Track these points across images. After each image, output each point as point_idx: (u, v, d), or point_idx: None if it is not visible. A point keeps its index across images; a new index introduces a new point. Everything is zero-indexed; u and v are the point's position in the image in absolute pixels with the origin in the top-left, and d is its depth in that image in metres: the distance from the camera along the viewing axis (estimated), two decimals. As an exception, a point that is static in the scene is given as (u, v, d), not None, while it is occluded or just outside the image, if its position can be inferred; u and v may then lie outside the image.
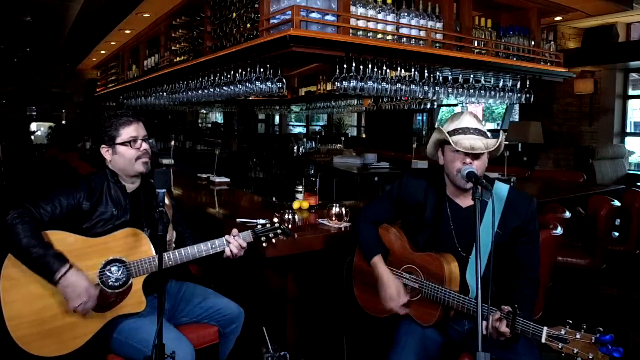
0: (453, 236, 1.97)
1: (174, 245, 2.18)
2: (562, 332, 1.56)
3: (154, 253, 1.96)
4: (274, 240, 2.11)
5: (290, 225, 2.42)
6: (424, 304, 1.94)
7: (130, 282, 1.93)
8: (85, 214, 1.99)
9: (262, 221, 2.12)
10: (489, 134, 1.92)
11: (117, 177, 2.10)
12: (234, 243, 2.05)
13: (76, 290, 1.82)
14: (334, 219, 2.55)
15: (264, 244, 2.11)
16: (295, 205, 2.85)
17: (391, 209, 2.15)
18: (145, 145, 2.09)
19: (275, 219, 2.16)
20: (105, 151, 2.10)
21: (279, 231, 2.12)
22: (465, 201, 1.97)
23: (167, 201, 2.18)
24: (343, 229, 2.50)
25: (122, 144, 2.06)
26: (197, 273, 2.55)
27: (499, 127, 8.99)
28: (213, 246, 2.05)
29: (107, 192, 2.06)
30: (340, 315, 2.47)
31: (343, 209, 2.56)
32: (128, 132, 2.07)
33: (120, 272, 1.92)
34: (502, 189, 1.96)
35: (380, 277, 2.03)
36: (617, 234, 3.85)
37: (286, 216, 2.42)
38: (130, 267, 1.93)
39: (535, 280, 1.91)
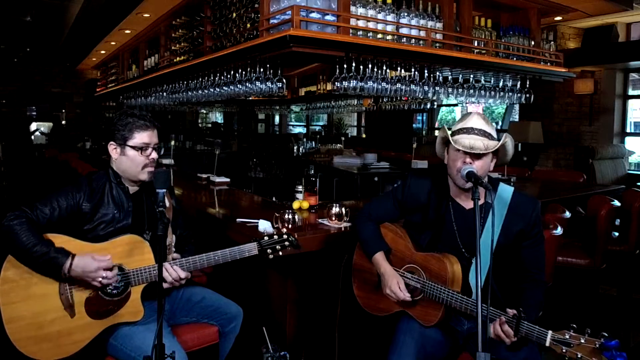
0: (456, 237, 1.96)
1: (174, 249, 2.14)
2: (567, 336, 1.54)
3: (155, 262, 1.93)
4: (281, 253, 2.03)
5: (290, 225, 2.41)
6: (425, 304, 1.93)
7: (128, 290, 1.91)
8: (86, 216, 1.95)
9: (268, 229, 2.00)
10: (495, 135, 1.91)
11: (119, 179, 2.05)
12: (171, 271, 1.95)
13: (90, 274, 1.81)
14: (334, 219, 2.55)
15: (270, 256, 2.03)
16: (295, 205, 2.85)
17: (395, 209, 2.14)
18: (154, 155, 2.04)
19: (284, 230, 2.08)
20: (112, 149, 2.05)
21: (286, 243, 2.03)
22: (468, 203, 1.96)
23: (167, 203, 2.14)
24: (343, 229, 2.49)
25: (133, 147, 2.01)
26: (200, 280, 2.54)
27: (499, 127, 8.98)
28: (208, 259, 2.00)
29: (109, 193, 2.01)
30: (336, 313, 2.47)
31: (343, 209, 2.56)
32: (142, 137, 2.02)
33: (119, 279, 1.89)
34: (506, 191, 1.95)
35: (382, 275, 2.02)
36: (617, 234, 3.85)
37: (286, 216, 2.41)
38: (129, 275, 1.91)
39: (541, 282, 1.90)
